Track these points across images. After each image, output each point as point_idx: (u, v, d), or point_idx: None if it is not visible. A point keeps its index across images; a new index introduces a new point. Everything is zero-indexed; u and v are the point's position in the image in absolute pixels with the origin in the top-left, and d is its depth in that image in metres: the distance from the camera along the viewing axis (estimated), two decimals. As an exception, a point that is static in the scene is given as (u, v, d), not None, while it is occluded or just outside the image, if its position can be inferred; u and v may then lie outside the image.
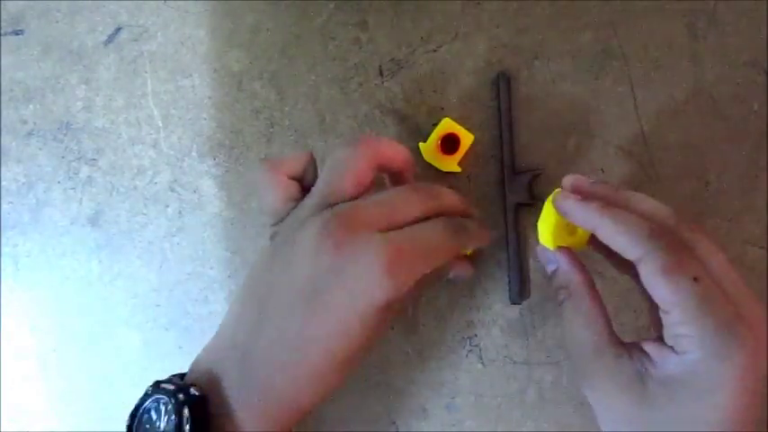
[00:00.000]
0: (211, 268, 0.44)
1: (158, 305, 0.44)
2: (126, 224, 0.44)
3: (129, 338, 0.44)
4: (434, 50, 0.44)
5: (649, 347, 0.30)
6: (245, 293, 0.33)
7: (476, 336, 0.42)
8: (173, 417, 0.30)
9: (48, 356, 0.44)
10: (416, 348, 0.42)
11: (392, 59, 0.44)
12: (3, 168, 0.45)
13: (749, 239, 0.42)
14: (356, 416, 0.42)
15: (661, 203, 0.31)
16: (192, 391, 0.30)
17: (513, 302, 0.41)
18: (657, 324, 0.30)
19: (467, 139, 0.41)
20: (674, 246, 0.29)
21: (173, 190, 0.44)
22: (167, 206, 0.44)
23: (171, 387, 0.31)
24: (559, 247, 0.34)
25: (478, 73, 0.43)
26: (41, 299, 0.45)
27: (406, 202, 0.33)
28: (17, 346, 0.45)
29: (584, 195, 0.33)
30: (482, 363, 0.42)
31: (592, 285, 0.33)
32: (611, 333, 0.31)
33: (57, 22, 0.46)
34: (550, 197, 0.34)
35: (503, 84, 0.42)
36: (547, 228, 0.35)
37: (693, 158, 0.43)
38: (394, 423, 0.42)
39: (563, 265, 0.34)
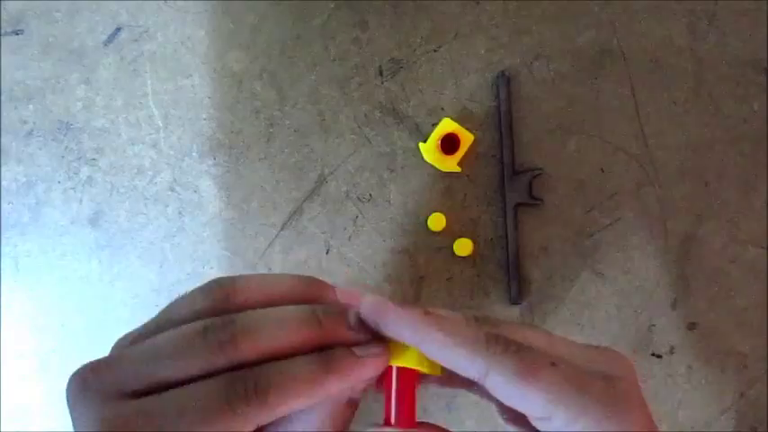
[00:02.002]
0: (211, 268, 0.44)
1: (158, 305, 0.44)
2: (126, 224, 0.44)
3: (129, 338, 0.44)
4: (434, 50, 0.44)
5: None
6: None
7: (476, 336, 0.42)
8: None
9: (48, 356, 0.44)
10: (416, 348, 0.42)
11: (392, 59, 0.44)
12: (3, 168, 0.45)
13: (749, 239, 0.42)
14: (356, 416, 0.42)
15: (454, 315, 0.25)
16: None
17: (514, 302, 0.41)
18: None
19: (467, 138, 0.41)
20: (510, 343, 0.24)
21: (173, 190, 0.44)
22: (167, 206, 0.44)
23: None
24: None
25: (478, 73, 0.43)
26: (41, 299, 0.45)
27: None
28: (17, 346, 0.45)
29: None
30: (482, 363, 0.42)
31: None
32: None
33: (57, 22, 0.46)
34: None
35: (502, 84, 0.42)
36: None
37: (693, 158, 0.43)
38: (394, 423, 0.42)
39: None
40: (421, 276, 0.42)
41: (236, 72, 0.44)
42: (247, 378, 0.22)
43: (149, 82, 0.45)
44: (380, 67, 0.44)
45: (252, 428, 0.22)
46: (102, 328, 0.44)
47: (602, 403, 0.23)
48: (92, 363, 0.23)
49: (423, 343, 0.24)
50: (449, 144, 0.41)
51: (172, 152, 0.44)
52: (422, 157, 0.42)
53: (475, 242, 0.42)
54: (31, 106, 0.45)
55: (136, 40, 0.45)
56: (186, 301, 0.26)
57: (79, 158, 0.45)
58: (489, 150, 0.43)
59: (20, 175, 0.45)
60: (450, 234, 0.42)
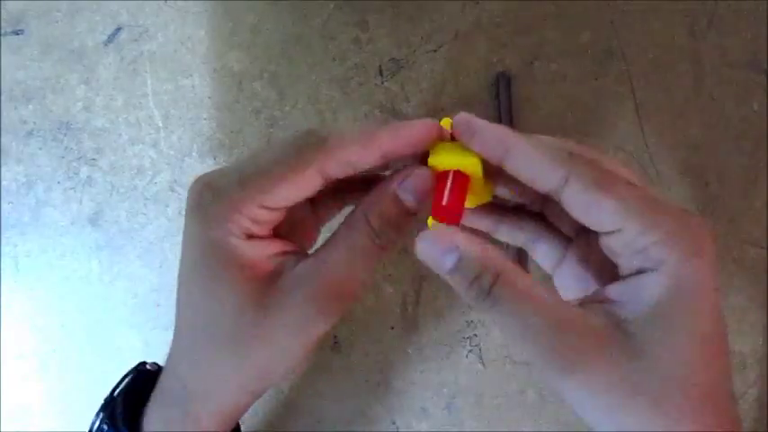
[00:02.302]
0: (211, 268, 0.44)
1: (158, 305, 0.44)
2: (126, 224, 0.44)
3: (129, 338, 0.44)
4: (434, 50, 0.44)
5: (611, 293, 0.24)
6: None
7: (476, 336, 0.42)
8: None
9: (48, 356, 0.44)
10: (416, 348, 0.42)
11: (392, 59, 0.44)
12: (3, 168, 0.45)
13: (749, 239, 0.42)
14: (356, 416, 0.42)
15: (551, 137, 0.26)
16: (150, 366, 0.30)
17: None
18: (598, 266, 0.26)
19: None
20: (593, 162, 0.24)
21: (173, 190, 0.44)
22: (167, 206, 0.44)
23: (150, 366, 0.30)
24: (453, 230, 0.25)
25: (478, 73, 0.43)
26: (41, 299, 0.45)
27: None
28: (17, 346, 0.45)
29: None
30: (482, 363, 0.42)
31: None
32: (563, 300, 0.24)
33: (57, 22, 0.46)
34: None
35: (503, 84, 0.42)
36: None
37: (693, 158, 0.43)
38: (394, 423, 0.42)
39: (470, 247, 0.24)
40: (421, 276, 0.42)
41: (237, 72, 0.44)
42: (310, 131, 0.25)
43: (149, 82, 0.45)
44: (380, 66, 0.44)
45: (321, 179, 0.25)
46: (102, 328, 0.44)
47: (675, 223, 0.23)
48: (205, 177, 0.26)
49: (508, 153, 0.24)
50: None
51: (172, 152, 0.44)
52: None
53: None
54: (30, 106, 0.45)
55: (136, 40, 0.45)
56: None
57: (79, 158, 0.45)
58: (489, 150, 0.43)
59: (20, 175, 0.45)
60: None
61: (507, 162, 0.24)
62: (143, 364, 0.30)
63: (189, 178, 0.44)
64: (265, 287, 0.25)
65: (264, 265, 0.26)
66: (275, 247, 0.27)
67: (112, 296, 0.44)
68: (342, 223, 0.26)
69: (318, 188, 0.26)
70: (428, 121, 0.26)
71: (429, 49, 0.44)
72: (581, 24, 0.43)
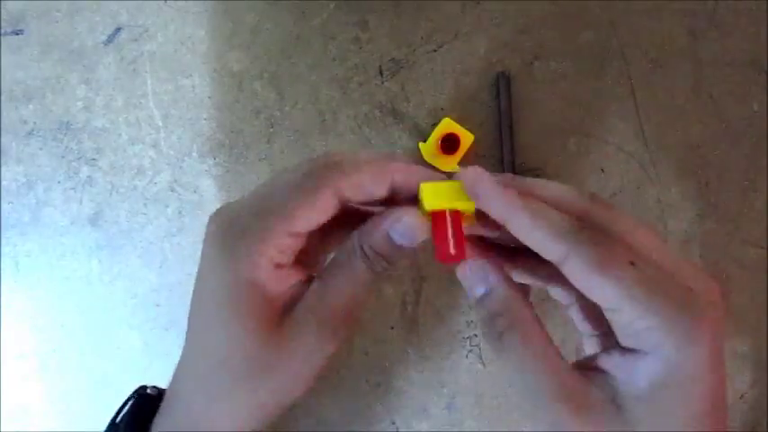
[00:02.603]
0: (211, 268, 0.44)
1: (158, 305, 0.44)
2: (126, 224, 0.44)
3: (129, 338, 0.44)
4: (434, 50, 0.44)
5: (608, 363, 0.25)
6: None
7: (476, 336, 0.42)
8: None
9: (48, 356, 0.44)
10: (416, 349, 0.42)
11: (392, 59, 0.44)
12: (3, 168, 0.45)
13: (749, 239, 0.42)
14: (357, 416, 0.42)
15: (566, 185, 0.26)
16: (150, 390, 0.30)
17: None
18: (601, 334, 0.27)
19: (467, 138, 0.41)
20: (598, 235, 0.24)
21: (173, 190, 0.44)
22: (167, 206, 0.44)
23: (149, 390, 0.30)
24: (490, 263, 0.26)
25: (478, 73, 0.43)
26: (41, 299, 0.45)
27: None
28: (17, 346, 0.45)
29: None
30: (482, 363, 0.42)
31: (532, 308, 0.26)
32: (565, 363, 0.25)
33: (57, 22, 0.46)
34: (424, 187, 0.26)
35: (503, 84, 0.42)
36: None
37: (693, 158, 0.43)
38: (394, 423, 0.42)
39: (499, 286, 0.26)
40: (421, 277, 0.42)
41: (237, 72, 0.44)
42: (325, 155, 0.27)
43: (149, 82, 0.45)
44: (380, 67, 0.44)
45: (337, 202, 0.26)
46: (102, 328, 0.44)
47: (674, 308, 0.23)
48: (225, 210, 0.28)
49: (511, 222, 0.25)
50: (449, 144, 0.41)
51: (172, 152, 0.44)
52: (422, 157, 0.42)
53: (475, 242, 0.42)
54: (31, 106, 0.45)
55: (136, 40, 0.45)
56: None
57: (79, 158, 0.45)
58: (489, 150, 0.43)
59: (20, 175, 0.45)
60: (451, 234, 0.42)
61: (511, 229, 0.25)
62: (143, 388, 0.30)
63: (189, 178, 0.44)
64: (282, 316, 0.26)
65: (284, 295, 0.27)
66: (296, 275, 0.27)
67: (112, 296, 0.44)
68: (338, 251, 0.27)
69: (335, 212, 0.26)
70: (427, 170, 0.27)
71: (429, 49, 0.44)
72: (581, 24, 0.43)
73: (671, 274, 0.24)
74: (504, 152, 0.42)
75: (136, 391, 0.30)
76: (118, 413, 0.29)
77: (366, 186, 0.26)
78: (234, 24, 0.45)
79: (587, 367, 0.25)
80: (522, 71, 0.43)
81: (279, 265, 0.26)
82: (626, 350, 0.24)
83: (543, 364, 0.24)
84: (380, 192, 0.26)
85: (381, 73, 0.44)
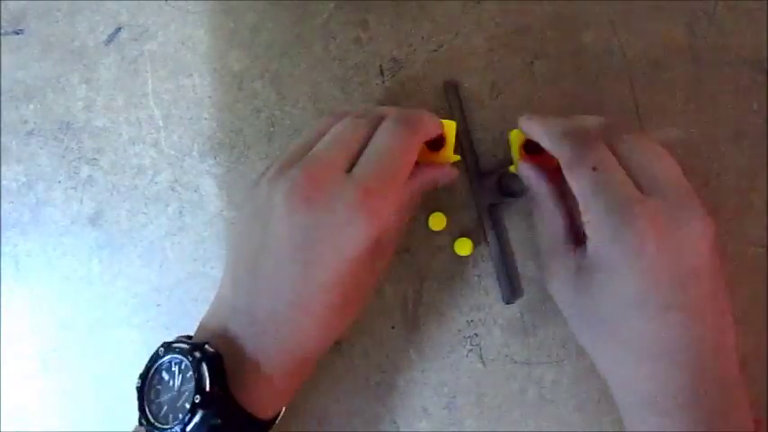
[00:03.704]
0: (212, 268, 0.44)
1: (159, 305, 0.44)
2: (126, 224, 0.44)
3: (130, 338, 0.44)
4: (435, 50, 0.44)
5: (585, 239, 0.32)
6: (235, 259, 0.34)
7: (476, 335, 0.42)
8: (188, 374, 0.31)
9: (48, 356, 0.44)
10: (417, 348, 0.42)
11: (393, 59, 0.44)
12: (3, 168, 0.45)
13: (749, 239, 0.43)
14: (357, 416, 0.42)
15: (599, 117, 0.35)
16: (208, 348, 0.31)
17: (507, 302, 0.42)
18: None
19: (449, 127, 0.39)
20: (579, 141, 0.32)
21: (173, 189, 0.44)
22: (168, 206, 0.44)
23: (184, 346, 0.31)
24: (526, 163, 0.37)
25: (479, 73, 0.43)
26: (41, 299, 0.45)
27: (355, 130, 0.35)
28: (17, 346, 0.45)
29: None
30: (482, 362, 0.42)
31: (554, 193, 0.36)
32: (568, 232, 0.35)
33: (57, 21, 0.46)
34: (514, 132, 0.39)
35: (450, 92, 0.42)
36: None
37: (693, 158, 0.43)
38: (395, 423, 0.42)
39: (530, 178, 0.37)
40: (422, 276, 0.43)
41: (237, 72, 0.44)
42: (408, 112, 0.36)
43: (150, 81, 0.45)
44: (381, 66, 0.44)
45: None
46: (103, 328, 0.44)
47: (605, 207, 0.30)
48: (302, 170, 0.33)
49: (531, 132, 0.36)
50: (433, 141, 0.41)
51: (172, 152, 0.44)
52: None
53: (475, 242, 0.42)
54: (31, 106, 0.45)
55: (136, 40, 0.45)
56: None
57: (80, 158, 0.45)
58: (489, 150, 0.43)
59: (20, 174, 0.45)
60: (451, 233, 0.42)
61: (534, 138, 0.36)
62: (197, 347, 0.32)
63: (189, 177, 0.44)
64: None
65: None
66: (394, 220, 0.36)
67: (113, 296, 0.44)
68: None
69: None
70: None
71: (429, 48, 0.44)
72: (581, 24, 0.43)
73: (632, 180, 0.31)
74: (468, 158, 0.42)
75: (193, 351, 0.31)
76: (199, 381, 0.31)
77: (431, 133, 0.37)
78: (234, 24, 0.45)
79: (582, 240, 0.33)
80: (522, 71, 0.43)
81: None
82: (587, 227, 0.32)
83: (549, 231, 0.36)
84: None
85: (382, 73, 0.44)
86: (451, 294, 0.42)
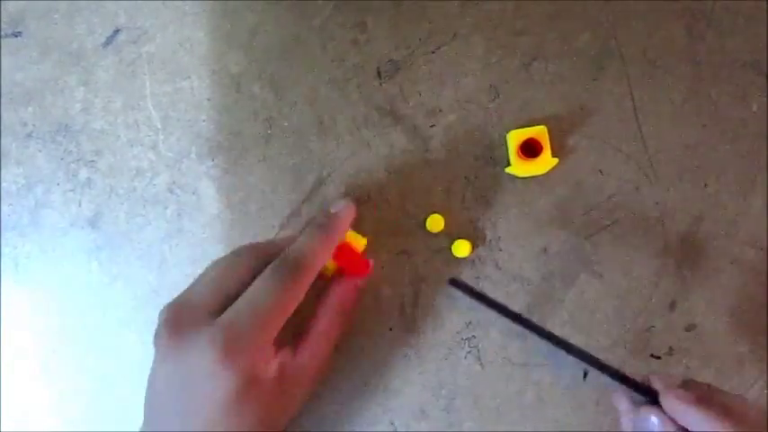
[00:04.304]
0: (210, 270, 0.44)
1: (158, 306, 0.44)
2: (125, 226, 0.44)
3: (129, 339, 0.44)
4: (433, 52, 0.43)
5: None
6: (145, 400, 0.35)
7: (474, 337, 0.42)
8: None
9: (48, 357, 0.45)
10: (415, 350, 0.42)
11: (390, 61, 0.44)
12: (2, 170, 0.45)
13: (749, 240, 0.42)
14: (355, 417, 0.42)
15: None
16: None
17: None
18: None
19: (358, 242, 0.40)
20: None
21: (171, 191, 0.44)
22: (166, 208, 0.44)
23: None
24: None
25: (477, 74, 0.43)
26: (41, 300, 0.45)
27: (236, 266, 0.34)
28: (17, 347, 0.45)
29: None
30: (481, 364, 0.42)
31: None
32: None
33: (55, 23, 0.46)
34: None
35: (461, 287, 0.39)
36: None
37: (692, 159, 0.42)
38: (393, 424, 0.42)
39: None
40: (420, 278, 0.43)
41: (235, 74, 0.44)
42: (292, 260, 0.35)
43: (148, 84, 0.45)
44: (379, 68, 0.44)
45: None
46: (102, 330, 0.44)
47: None
48: (165, 319, 0.33)
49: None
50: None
51: (171, 154, 0.45)
52: (421, 158, 0.42)
53: (473, 244, 0.42)
54: (30, 108, 0.45)
55: (134, 42, 0.45)
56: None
57: (78, 160, 0.45)
58: (488, 152, 0.43)
59: (19, 177, 0.45)
60: (449, 235, 0.42)
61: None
62: None
63: (188, 180, 0.44)
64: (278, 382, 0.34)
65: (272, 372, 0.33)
66: (278, 354, 0.34)
67: (112, 297, 0.44)
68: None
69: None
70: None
71: (427, 50, 0.43)
72: (580, 24, 0.43)
73: None
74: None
75: None
76: None
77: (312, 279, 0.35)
78: (232, 26, 0.45)
79: None
80: (521, 71, 0.43)
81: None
82: None
83: None
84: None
85: (380, 74, 0.44)
86: (449, 296, 0.42)
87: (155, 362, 0.33)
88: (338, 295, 0.38)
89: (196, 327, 0.31)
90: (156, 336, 0.32)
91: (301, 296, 0.34)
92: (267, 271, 0.34)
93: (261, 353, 0.32)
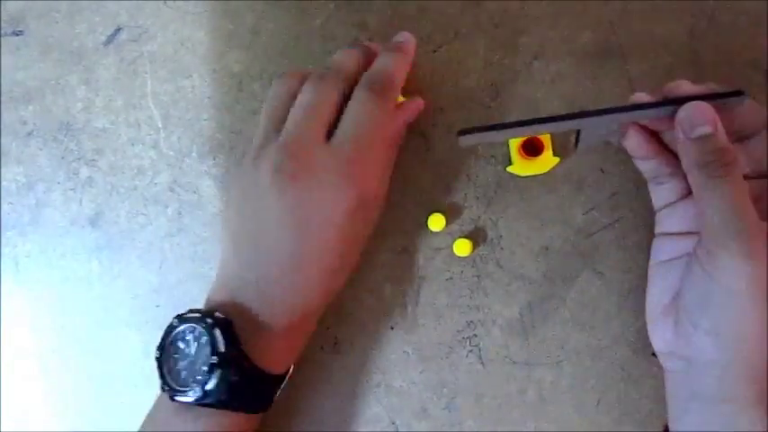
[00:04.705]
0: (211, 268, 0.44)
1: (158, 305, 0.44)
2: (126, 224, 0.44)
3: (129, 338, 0.44)
4: (434, 51, 0.44)
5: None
6: (234, 238, 0.37)
7: (476, 336, 0.42)
8: (203, 339, 0.33)
9: (48, 356, 0.45)
10: (416, 349, 0.42)
11: (392, 60, 0.43)
12: (3, 169, 0.45)
13: (749, 239, 0.42)
14: (356, 416, 0.42)
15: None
16: (218, 314, 0.34)
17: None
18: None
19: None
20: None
21: (172, 190, 0.44)
22: (167, 206, 0.44)
23: (197, 315, 0.34)
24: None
25: (478, 73, 0.43)
26: (41, 299, 0.45)
27: (325, 96, 0.37)
28: (17, 346, 0.45)
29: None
30: (482, 363, 0.42)
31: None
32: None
33: (56, 22, 0.46)
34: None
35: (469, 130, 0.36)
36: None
37: (693, 158, 0.42)
38: (394, 423, 0.42)
39: (722, 136, 0.32)
40: (421, 276, 0.43)
41: (236, 73, 0.44)
42: (371, 78, 0.38)
43: (149, 82, 0.45)
44: (380, 67, 0.44)
45: None
46: (102, 329, 0.44)
47: (729, 234, 0.30)
48: (283, 149, 0.35)
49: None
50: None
51: (172, 153, 0.45)
52: (422, 158, 0.42)
53: (475, 242, 0.42)
54: (30, 107, 0.45)
55: (135, 41, 0.45)
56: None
57: (79, 159, 0.45)
58: (489, 150, 0.43)
59: (20, 175, 0.45)
60: (450, 234, 0.42)
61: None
62: (208, 315, 0.35)
63: (189, 178, 0.44)
64: None
65: None
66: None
67: (112, 296, 0.44)
68: None
69: None
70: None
71: (428, 49, 0.44)
72: (581, 24, 0.43)
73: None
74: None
75: (205, 318, 0.34)
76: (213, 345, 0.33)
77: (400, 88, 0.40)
78: (234, 25, 0.45)
79: None
80: (521, 71, 0.43)
81: None
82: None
83: (750, 208, 0.31)
84: None
85: (381, 73, 0.44)
86: (451, 295, 0.42)
87: (268, 195, 0.35)
88: (405, 111, 0.40)
89: (319, 154, 0.35)
90: (279, 170, 0.34)
91: (392, 114, 0.38)
92: (361, 93, 0.37)
93: (367, 172, 0.36)
